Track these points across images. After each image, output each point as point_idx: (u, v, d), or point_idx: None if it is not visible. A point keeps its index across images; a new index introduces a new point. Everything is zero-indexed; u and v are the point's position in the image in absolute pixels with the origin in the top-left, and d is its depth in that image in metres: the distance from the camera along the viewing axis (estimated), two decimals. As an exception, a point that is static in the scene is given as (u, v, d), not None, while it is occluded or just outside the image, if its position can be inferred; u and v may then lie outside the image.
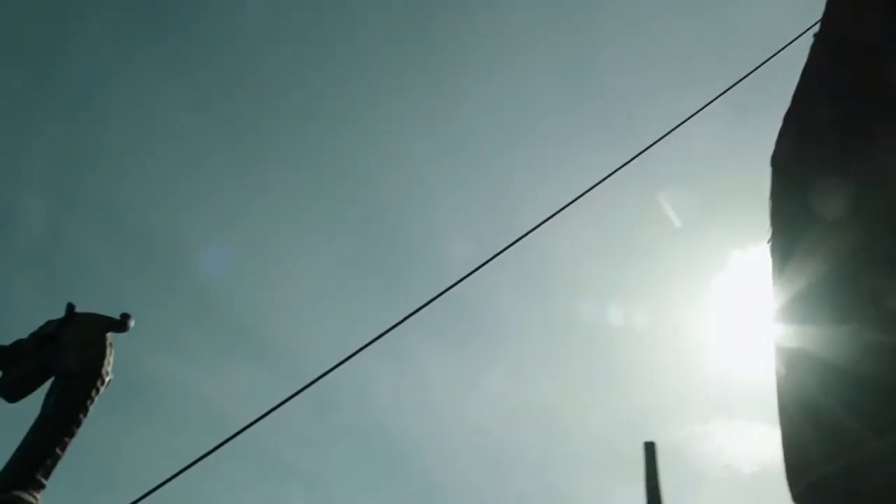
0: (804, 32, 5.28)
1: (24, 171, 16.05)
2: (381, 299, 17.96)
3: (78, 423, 4.49)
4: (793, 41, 5.34)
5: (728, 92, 5.47)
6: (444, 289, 4.53)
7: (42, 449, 4.35)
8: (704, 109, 5.24)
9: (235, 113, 16.89)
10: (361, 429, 17.51)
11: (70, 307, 4.95)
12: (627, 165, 4.87)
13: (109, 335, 4.92)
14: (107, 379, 4.75)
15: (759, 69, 5.55)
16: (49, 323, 4.98)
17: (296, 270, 17.38)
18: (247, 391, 17.11)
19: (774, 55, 5.51)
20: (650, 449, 3.69)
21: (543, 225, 4.66)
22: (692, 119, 5.12)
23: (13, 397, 4.85)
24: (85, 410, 4.56)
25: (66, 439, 4.42)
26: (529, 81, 16.64)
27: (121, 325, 4.96)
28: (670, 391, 18.07)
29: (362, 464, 17.65)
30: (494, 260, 4.26)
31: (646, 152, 4.88)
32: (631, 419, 18.41)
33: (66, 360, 4.72)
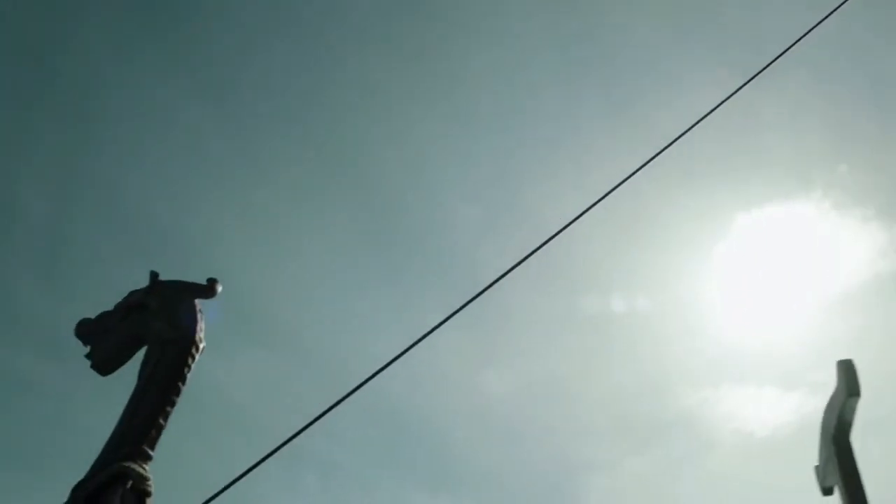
0: (830, 14, 5.36)
1: (27, 165, 16.30)
2: (388, 279, 18.14)
3: (177, 392, 4.39)
4: (819, 23, 5.39)
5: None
6: (486, 285, 4.54)
7: (145, 420, 4.23)
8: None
9: (237, 100, 16.99)
10: (374, 406, 17.80)
11: (154, 275, 4.80)
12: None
13: (198, 301, 4.77)
14: (201, 346, 4.62)
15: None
16: (133, 293, 4.82)
17: (303, 253, 17.58)
18: (258, 376, 17.41)
19: (805, 34, 5.49)
20: (846, 366, 3.91)
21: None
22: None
23: (106, 370, 4.75)
24: (183, 378, 4.44)
25: (168, 408, 4.33)
26: (530, 53, 16.53)
27: (208, 290, 4.78)
28: (680, 359, 18.12)
29: (375, 441, 17.95)
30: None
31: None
32: (642, 388, 18.51)
33: (158, 328, 4.59)
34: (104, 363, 4.73)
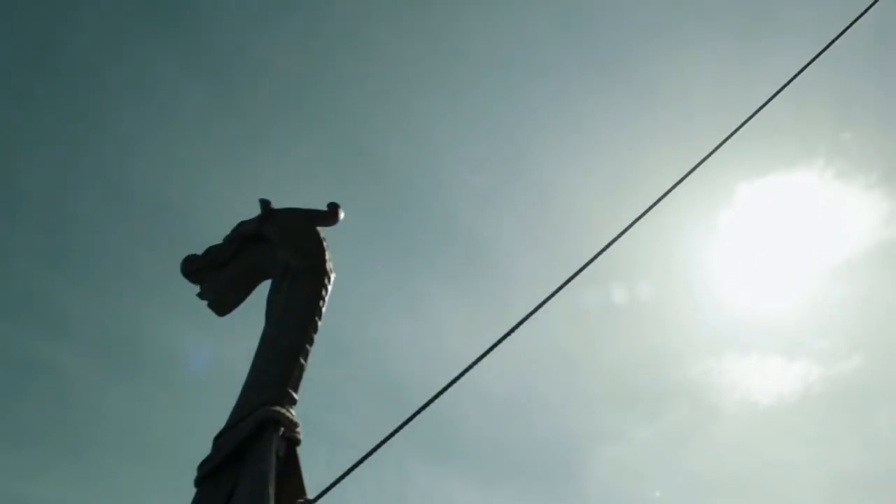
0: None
1: (28, 151, 15.95)
2: (391, 258, 17.99)
3: (315, 328, 3.85)
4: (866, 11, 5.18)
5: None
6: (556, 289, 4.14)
7: (286, 359, 3.70)
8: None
9: (241, 82, 16.67)
10: (382, 383, 17.71)
11: (266, 203, 4.27)
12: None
13: (320, 229, 4.24)
14: (332, 276, 4.09)
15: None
16: (244, 223, 4.32)
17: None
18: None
19: (858, 18, 5.26)
20: None
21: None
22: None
23: (224, 309, 4.29)
24: (319, 312, 3.91)
25: (308, 346, 3.79)
26: (529, 28, 16.38)
27: (330, 216, 4.27)
28: (684, 329, 18.24)
29: (381, 415, 17.88)
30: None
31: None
32: (646, 358, 18.62)
33: (283, 259, 4.04)
34: (221, 302, 4.25)
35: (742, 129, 4.90)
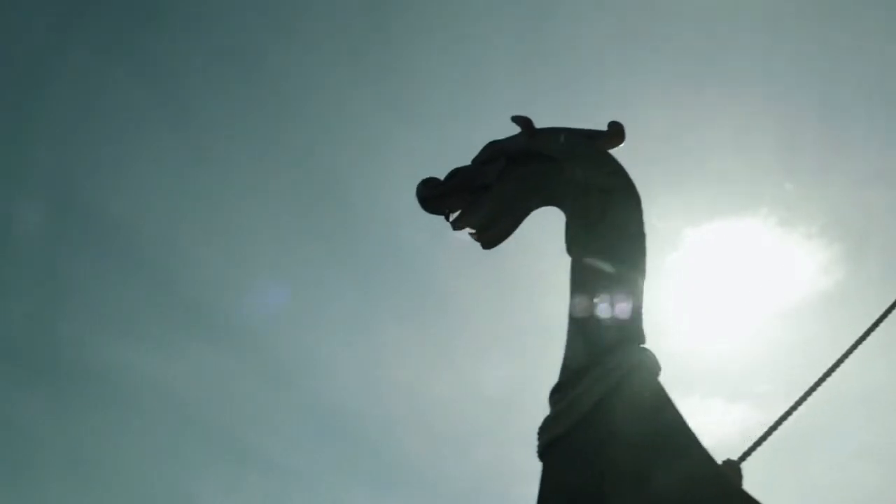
0: None
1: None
2: (337, 273, 17.78)
3: (644, 253, 3.15)
4: None
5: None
6: None
7: (631, 292, 3.02)
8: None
9: (185, 92, 16.33)
10: (322, 409, 17.36)
11: (527, 120, 3.49)
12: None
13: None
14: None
15: None
16: (497, 143, 3.54)
17: (251, 245, 17.03)
18: (202, 373, 16.79)
19: None
20: None
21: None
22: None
23: (493, 239, 3.49)
24: (644, 238, 3.19)
25: (641, 279, 3.12)
26: (484, 41, 16.39)
27: (615, 137, 3.44)
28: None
29: (322, 445, 17.51)
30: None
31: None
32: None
33: (581, 178, 3.29)
34: (489, 231, 3.46)
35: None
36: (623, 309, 2.97)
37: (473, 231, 3.49)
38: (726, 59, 14.13)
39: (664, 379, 2.87)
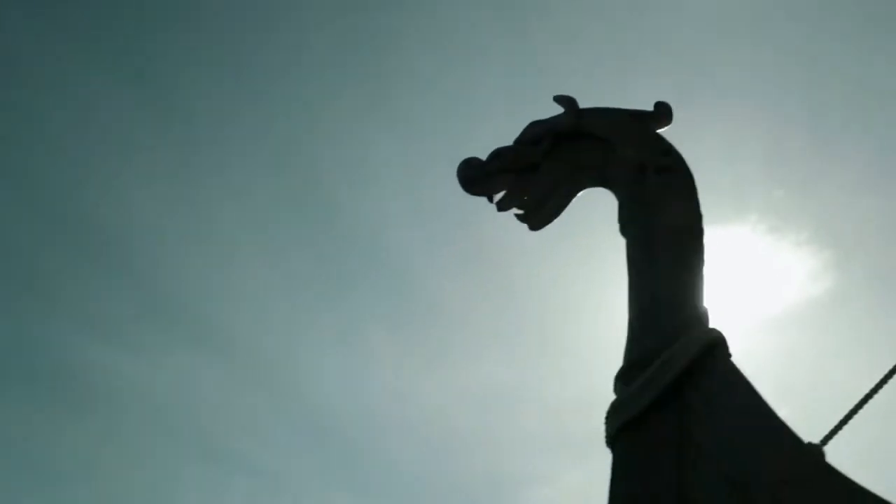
0: None
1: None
2: (322, 280, 17.61)
3: (702, 232, 3.09)
4: None
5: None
6: None
7: (695, 271, 2.97)
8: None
9: (170, 98, 16.08)
10: (307, 414, 17.15)
11: (572, 100, 3.41)
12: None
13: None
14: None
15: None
16: (540, 123, 3.43)
17: (235, 251, 16.81)
18: (187, 378, 16.54)
19: None
20: None
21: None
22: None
23: (541, 219, 3.38)
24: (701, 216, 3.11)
25: (701, 260, 3.04)
26: (474, 55, 16.33)
27: (662, 118, 3.37)
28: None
29: (308, 450, 17.30)
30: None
31: None
32: (579, 402, 18.51)
33: (634, 157, 3.20)
34: (537, 212, 3.36)
35: None
36: (688, 289, 2.88)
37: (521, 212, 3.40)
38: (715, 68, 14.21)
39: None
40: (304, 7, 15.13)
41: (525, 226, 3.42)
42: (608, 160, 3.29)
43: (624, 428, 2.64)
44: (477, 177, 3.38)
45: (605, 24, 14.28)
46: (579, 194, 3.44)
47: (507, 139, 3.53)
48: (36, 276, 15.23)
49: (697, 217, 3.10)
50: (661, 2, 14.04)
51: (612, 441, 2.68)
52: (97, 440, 15.44)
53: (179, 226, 15.95)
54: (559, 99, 3.44)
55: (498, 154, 3.42)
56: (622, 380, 2.76)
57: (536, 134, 3.41)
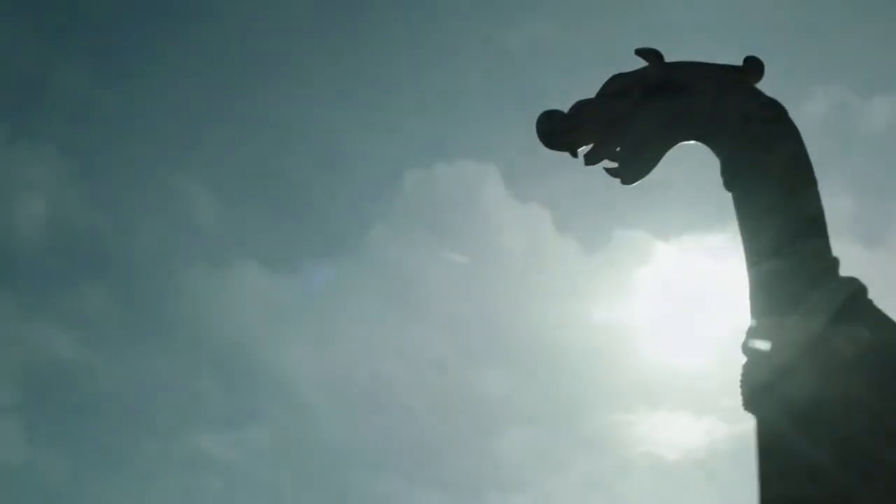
0: None
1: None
2: (290, 267, 17.50)
3: (815, 181, 2.96)
4: None
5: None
6: None
7: (819, 223, 2.89)
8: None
9: (157, 102, 15.94)
10: (284, 414, 16.92)
11: (657, 52, 3.25)
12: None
13: None
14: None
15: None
16: (623, 75, 3.24)
17: (217, 250, 16.66)
18: (165, 380, 16.28)
19: None
20: None
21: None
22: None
23: (635, 174, 3.21)
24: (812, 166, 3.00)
25: (822, 208, 2.94)
26: (452, 51, 16.35)
27: (753, 73, 3.19)
28: (597, 382, 18.40)
29: (283, 452, 17.05)
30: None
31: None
32: (557, 410, 18.61)
33: (737, 108, 3.07)
34: (630, 166, 3.18)
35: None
36: (816, 240, 2.80)
37: (613, 166, 3.20)
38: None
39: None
40: (283, 7, 15.18)
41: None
42: (706, 112, 3.12)
43: (766, 387, 2.65)
44: (562, 128, 3.17)
45: (590, 32, 14.53)
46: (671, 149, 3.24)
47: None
48: (19, 276, 14.95)
49: (810, 166, 3.00)
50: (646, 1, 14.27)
51: (749, 403, 2.71)
52: (73, 441, 15.18)
53: (159, 226, 15.82)
54: (643, 51, 3.26)
55: (582, 106, 3.21)
56: (752, 339, 2.80)
57: (623, 85, 3.21)
